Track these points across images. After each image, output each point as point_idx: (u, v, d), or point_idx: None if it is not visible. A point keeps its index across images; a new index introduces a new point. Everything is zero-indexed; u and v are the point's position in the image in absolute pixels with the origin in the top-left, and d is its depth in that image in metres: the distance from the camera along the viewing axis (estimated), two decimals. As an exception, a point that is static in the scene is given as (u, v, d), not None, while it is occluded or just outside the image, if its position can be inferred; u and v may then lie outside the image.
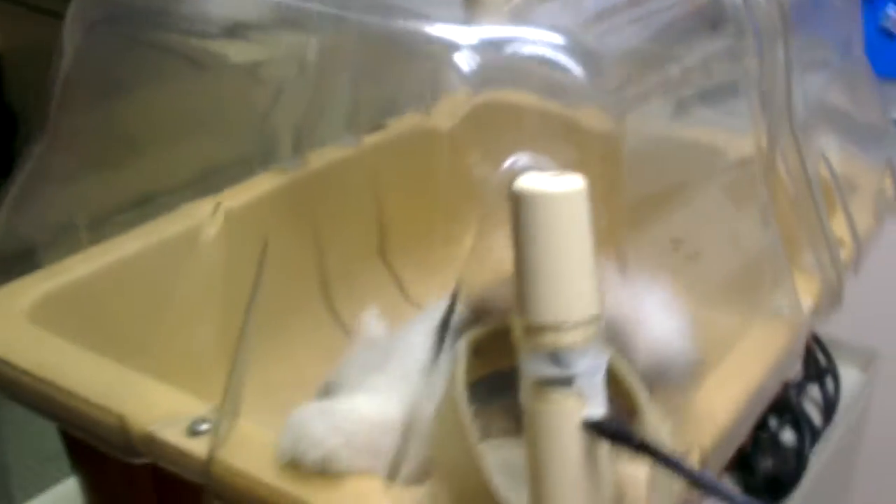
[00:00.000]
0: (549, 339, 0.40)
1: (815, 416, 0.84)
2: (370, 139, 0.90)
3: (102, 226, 0.69)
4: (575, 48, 0.44)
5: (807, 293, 0.62)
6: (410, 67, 0.50)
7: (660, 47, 0.54)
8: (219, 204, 0.73)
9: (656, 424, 0.42)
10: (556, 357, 0.40)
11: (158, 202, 0.74)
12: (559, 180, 0.39)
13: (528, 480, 0.41)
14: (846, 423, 0.87)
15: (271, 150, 0.82)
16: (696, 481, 0.37)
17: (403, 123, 0.94)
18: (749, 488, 0.74)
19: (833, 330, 0.85)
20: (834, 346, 0.89)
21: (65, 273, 0.64)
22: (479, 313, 0.47)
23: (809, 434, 0.78)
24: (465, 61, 0.43)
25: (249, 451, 0.47)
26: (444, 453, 0.42)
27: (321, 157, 0.84)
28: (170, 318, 0.65)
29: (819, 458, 0.80)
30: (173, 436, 0.49)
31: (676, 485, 0.41)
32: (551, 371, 0.40)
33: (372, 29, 0.49)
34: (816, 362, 0.88)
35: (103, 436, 0.51)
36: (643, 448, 0.38)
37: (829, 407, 0.85)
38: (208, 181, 0.78)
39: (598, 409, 0.40)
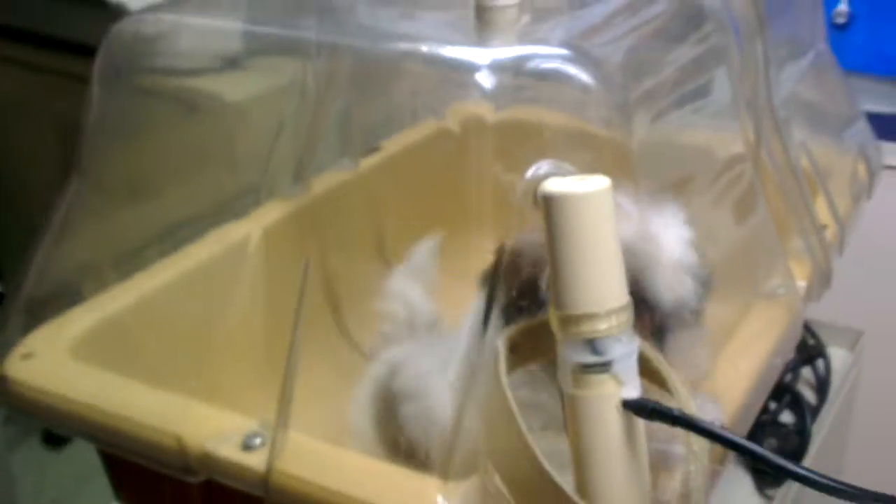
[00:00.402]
0: (586, 328, 0.43)
1: (810, 396, 0.89)
2: (367, 162, 0.94)
3: (127, 263, 0.72)
4: (583, 60, 0.48)
5: (800, 275, 0.66)
6: (428, 87, 0.54)
7: (653, 52, 0.58)
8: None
9: (687, 400, 0.46)
10: (592, 345, 0.43)
11: (177, 237, 0.77)
12: (585, 181, 0.43)
13: (573, 462, 0.44)
14: (839, 400, 0.91)
15: (275, 180, 0.85)
16: (735, 446, 0.40)
17: (397, 144, 0.98)
18: (755, 470, 0.78)
19: (815, 313, 0.90)
20: (821, 329, 0.94)
21: (101, 308, 0.66)
22: (513, 266, 0.50)
23: (809, 413, 0.83)
24: (486, 80, 0.47)
25: (305, 460, 0.50)
26: (495, 445, 0.46)
27: (322, 183, 0.87)
28: (205, 342, 0.68)
29: (818, 435, 0.84)
30: (229, 451, 0.52)
31: (707, 458, 0.45)
32: (589, 358, 0.43)
33: (390, 54, 0.52)
34: (806, 345, 0.92)
35: (160, 458, 0.54)
36: (681, 421, 0.42)
37: (822, 387, 0.89)
38: (220, 214, 0.81)
39: (634, 390, 0.44)
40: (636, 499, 0.44)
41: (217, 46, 0.72)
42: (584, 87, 0.47)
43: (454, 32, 0.53)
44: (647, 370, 0.47)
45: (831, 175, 0.82)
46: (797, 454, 0.79)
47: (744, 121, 0.63)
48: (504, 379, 0.46)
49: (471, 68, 0.48)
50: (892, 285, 1.32)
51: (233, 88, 0.83)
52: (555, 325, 0.45)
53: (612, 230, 0.43)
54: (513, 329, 0.49)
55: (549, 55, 0.49)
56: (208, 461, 0.52)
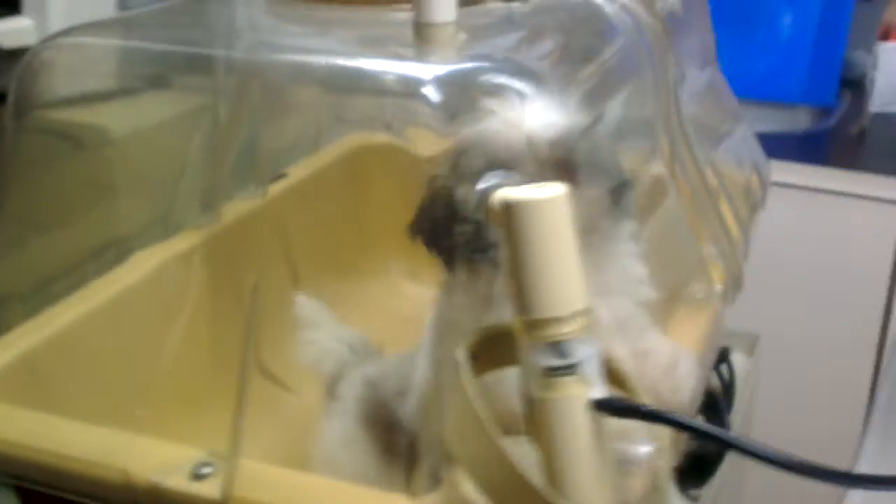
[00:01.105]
0: (551, 331, 0.44)
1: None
2: (275, 188, 0.92)
3: (34, 297, 0.69)
4: (527, 74, 0.49)
5: (716, 280, 0.69)
6: (370, 103, 0.54)
7: (575, 68, 0.60)
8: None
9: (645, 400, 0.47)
10: (558, 348, 0.44)
11: (84, 270, 0.74)
12: (542, 189, 0.44)
13: (543, 465, 0.45)
14: (743, 403, 0.95)
15: (183, 209, 0.83)
16: (707, 435, 0.42)
17: (304, 169, 0.98)
18: (678, 470, 0.80)
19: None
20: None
21: (14, 345, 0.63)
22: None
23: (726, 415, 0.86)
24: (432, 93, 0.48)
25: (266, 484, 0.49)
26: (467, 453, 0.46)
27: (232, 211, 0.86)
28: (127, 375, 0.65)
29: (729, 437, 0.88)
30: (178, 482, 0.50)
31: (672, 452, 0.47)
32: (556, 361, 0.44)
33: (333, 69, 0.52)
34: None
35: (104, 494, 0.51)
36: (652, 415, 0.43)
37: (728, 390, 0.93)
38: (125, 245, 0.79)
39: (600, 390, 0.45)
40: (608, 498, 0.45)
41: (127, 69, 0.70)
42: (528, 99, 0.48)
43: (381, 49, 0.53)
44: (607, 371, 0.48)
45: (728, 188, 0.86)
46: (717, 456, 0.81)
47: (661, 137, 0.65)
48: (471, 389, 0.46)
49: (417, 83, 0.48)
50: (781, 292, 1.39)
51: (124, 120, 0.81)
52: (519, 330, 0.45)
53: (572, 234, 0.44)
54: (471, 338, 0.50)
55: (494, 69, 0.50)
56: (157, 493, 0.50)
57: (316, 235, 0.97)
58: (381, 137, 0.83)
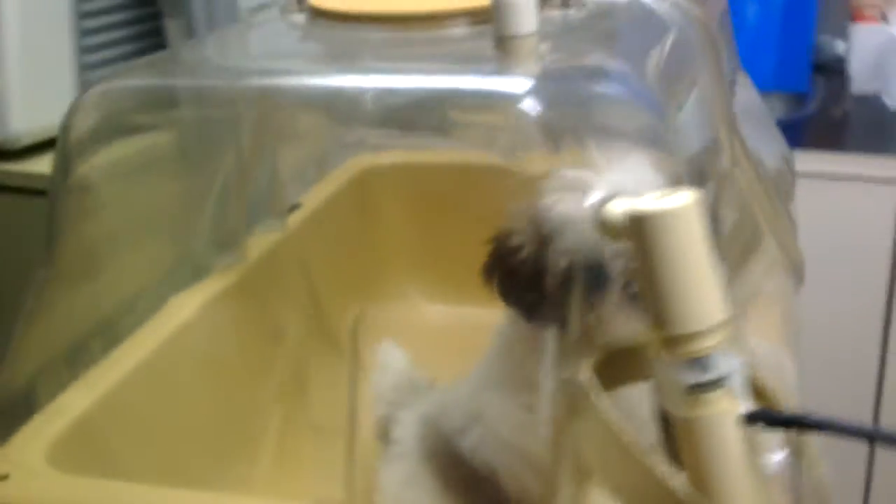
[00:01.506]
0: (693, 346, 0.42)
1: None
2: (293, 219, 0.89)
3: (75, 358, 0.64)
4: (621, 78, 0.47)
5: (785, 270, 0.68)
6: (465, 120, 0.51)
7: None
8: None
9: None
10: (701, 363, 0.42)
11: (118, 324, 0.70)
12: (672, 198, 0.42)
13: (694, 485, 0.42)
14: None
15: (208, 248, 0.79)
16: (874, 436, 0.40)
17: (314, 197, 0.94)
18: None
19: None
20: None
21: (66, 411, 0.59)
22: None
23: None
24: (531, 106, 0.45)
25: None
26: (618, 482, 0.43)
27: (255, 247, 0.82)
28: (184, 431, 0.61)
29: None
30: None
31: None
32: (701, 377, 0.42)
33: (419, 91, 0.49)
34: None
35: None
36: (807, 423, 0.41)
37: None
38: (157, 291, 0.75)
39: (747, 403, 0.42)
40: (765, 514, 0.42)
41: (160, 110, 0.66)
42: (635, 107, 0.46)
43: (464, 65, 0.51)
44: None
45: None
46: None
47: (722, 130, 0.64)
48: (609, 412, 0.43)
49: (514, 98, 0.46)
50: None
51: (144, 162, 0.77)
52: (655, 347, 0.43)
53: (707, 242, 0.42)
54: (593, 360, 0.47)
55: (583, 77, 0.47)
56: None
57: (333, 263, 0.94)
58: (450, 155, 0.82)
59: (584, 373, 0.46)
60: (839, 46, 1.67)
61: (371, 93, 0.49)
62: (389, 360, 0.75)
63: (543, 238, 0.54)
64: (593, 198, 0.46)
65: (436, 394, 0.72)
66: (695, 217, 0.42)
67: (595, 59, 0.49)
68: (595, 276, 0.52)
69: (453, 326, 0.93)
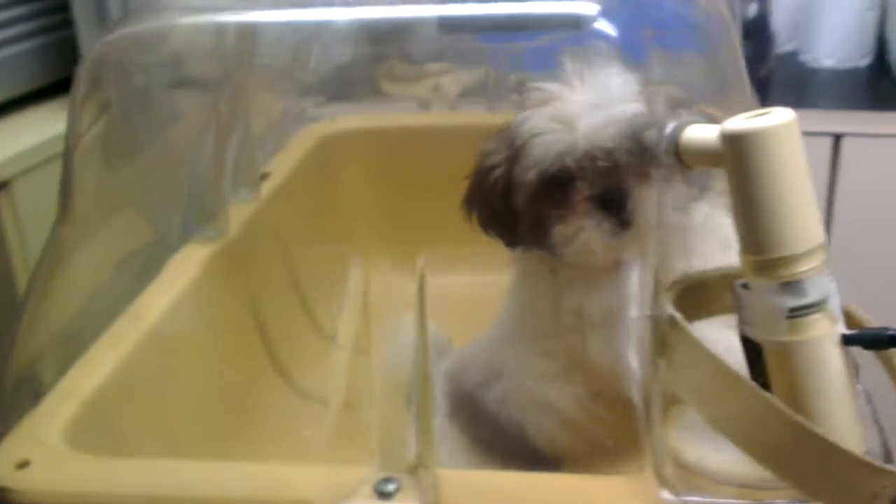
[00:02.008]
0: (792, 270, 0.41)
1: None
2: (265, 188, 0.85)
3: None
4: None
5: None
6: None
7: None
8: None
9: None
10: (800, 286, 0.41)
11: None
12: (767, 116, 0.41)
13: (793, 409, 0.41)
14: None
15: (189, 218, 0.75)
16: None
17: (280, 165, 0.90)
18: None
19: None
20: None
21: (75, 393, 0.54)
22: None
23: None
24: (608, 28, 0.43)
25: (476, 492, 0.44)
26: (720, 413, 0.42)
27: (235, 218, 0.78)
28: (181, 402, 0.58)
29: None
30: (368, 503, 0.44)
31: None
32: (802, 300, 0.41)
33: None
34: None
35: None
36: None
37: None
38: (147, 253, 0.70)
39: (843, 325, 0.42)
40: (862, 433, 0.42)
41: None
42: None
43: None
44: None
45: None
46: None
47: (749, 95, 0.63)
48: (707, 346, 0.42)
49: (586, 19, 0.44)
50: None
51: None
52: (750, 272, 0.42)
53: (805, 162, 0.41)
54: (671, 294, 0.46)
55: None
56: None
57: (302, 231, 0.90)
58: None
59: (669, 307, 0.45)
60: (755, 9, 1.71)
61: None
62: (405, 323, 0.72)
63: (514, 153, 0.55)
64: (669, 126, 0.44)
65: (455, 350, 0.70)
66: (795, 134, 0.41)
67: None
68: (561, 186, 0.53)
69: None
